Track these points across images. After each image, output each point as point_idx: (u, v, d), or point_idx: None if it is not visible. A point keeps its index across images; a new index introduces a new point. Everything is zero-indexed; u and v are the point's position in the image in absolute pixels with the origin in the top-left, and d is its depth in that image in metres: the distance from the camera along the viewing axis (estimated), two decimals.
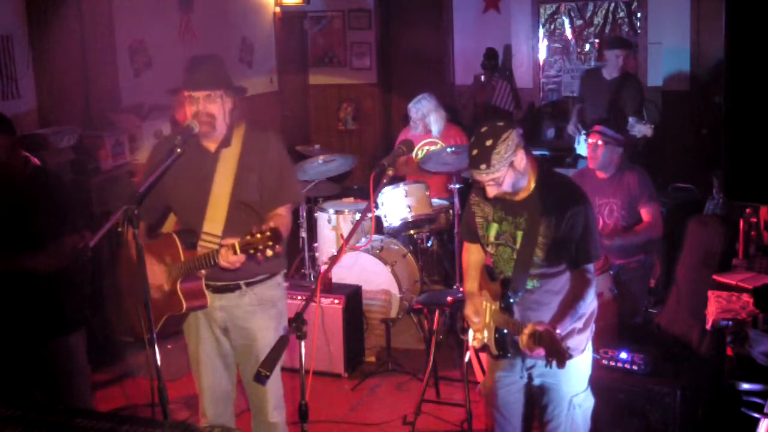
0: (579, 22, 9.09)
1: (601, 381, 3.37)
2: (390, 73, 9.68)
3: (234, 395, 3.51)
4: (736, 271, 4.35)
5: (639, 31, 8.67)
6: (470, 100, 8.93)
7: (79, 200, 4.82)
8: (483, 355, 3.89)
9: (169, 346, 4.99)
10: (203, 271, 3.15)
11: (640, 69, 8.52)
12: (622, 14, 8.84)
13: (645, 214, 4.84)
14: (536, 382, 3.18)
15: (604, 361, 3.90)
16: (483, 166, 2.87)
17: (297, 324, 2.59)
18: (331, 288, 5.13)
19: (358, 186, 7.64)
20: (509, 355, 3.08)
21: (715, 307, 3.93)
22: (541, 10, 9.21)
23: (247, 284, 3.28)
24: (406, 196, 5.61)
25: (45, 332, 3.52)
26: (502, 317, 3.02)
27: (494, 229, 3.11)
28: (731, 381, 3.76)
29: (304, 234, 6.09)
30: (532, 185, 3.01)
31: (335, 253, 5.46)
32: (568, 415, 3.12)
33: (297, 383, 2.67)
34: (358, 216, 5.64)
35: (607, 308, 4.38)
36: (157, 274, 3.19)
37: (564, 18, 9.15)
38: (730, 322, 3.81)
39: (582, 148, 6.51)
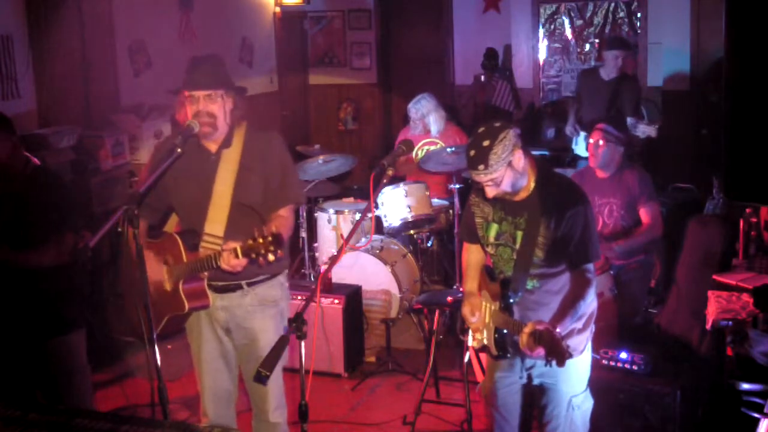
0: (579, 22, 9.09)
1: (601, 381, 3.38)
2: (390, 73, 9.68)
3: (236, 396, 3.51)
4: (736, 271, 4.35)
5: (639, 31, 8.68)
6: (470, 100, 8.94)
7: (79, 200, 4.82)
8: (483, 356, 3.89)
9: (169, 346, 4.99)
10: (206, 272, 3.15)
11: (640, 69, 8.52)
12: (622, 14, 8.84)
13: (644, 214, 4.84)
14: (536, 382, 3.18)
15: (604, 361, 3.90)
16: (481, 167, 2.88)
17: (297, 324, 2.59)
18: (331, 288, 5.13)
19: (358, 186, 7.64)
20: (509, 355, 3.09)
21: (715, 307, 3.93)
22: (541, 10, 9.21)
23: (249, 284, 3.28)
24: (406, 196, 5.61)
25: (45, 332, 3.53)
26: (501, 317, 3.03)
27: (494, 229, 3.11)
28: (731, 381, 3.76)
29: (304, 234, 6.09)
30: (532, 185, 3.01)
31: (335, 253, 5.46)
32: (567, 416, 3.13)
33: (297, 383, 2.67)
34: (358, 216, 5.64)
35: (607, 308, 4.38)
36: (158, 275, 3.19)
37: (564, 18, 9.15)
38: (730, 322, 3.81)
39: (580, 148, 6.51)
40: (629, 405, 3.84)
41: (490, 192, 2.97)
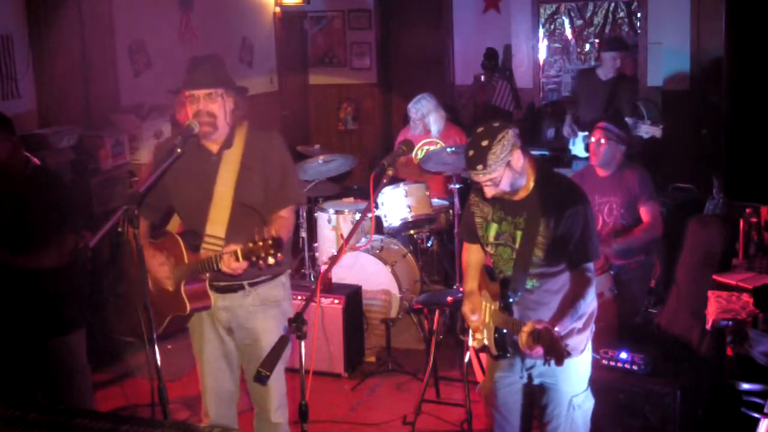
0: (579, 22, 9.09)
1: (601, 381, 3.38)
2: (390, 73, 9.68)
3: (237, 396, 3.51)
4: (736, 271, 4.35)
5: (639, 31, 8.67)
6: (470, 100, 8.94)
7: (79, 200, 4.81)
8: (483, 355, 3.89)
9: (169, 346, 4.99)
10: (207, 274, 3.15)
11: (640, 69, 8.52)
12: (622, 14, 8.84)
13: (645, 213, 4.84)
14: (536, 382, 3.18)
15: (604, 361, 3.90)
16: (479, 167, 2.88)
17: (297, 324, 2.60)
18: (331, 288, 5.13)
19: (358, 186, 7.63)
20: (509, 355, 3.09)
21: (715, 307, 3.93)
22: (541, 10, 9.21)
23: (251, 284, 3.28)
24: (406, 196, 5.61)
25: (45, 332, 3.52)
26: (501, 317, 3.03)
27: (494, 229, 3.11)
28: (731, 381, 3.76)
29: (304, 234, 6.09)
30: (531, 185, 3.02)
31: (335, 253, 5.46)
32: (568, 416, 3.13)
33: (297, 383, 2.67)
34: (358, 216, 5.64)
35: (607, 308, 4.38)
36: (160, 275, 3.20)
37: (564, 18, 9.15)
38: (730, 322, 3.81)
39: (577, 148, 6.52)
40: (629, 405, 3.84)
41: (489, 192, 2.97)
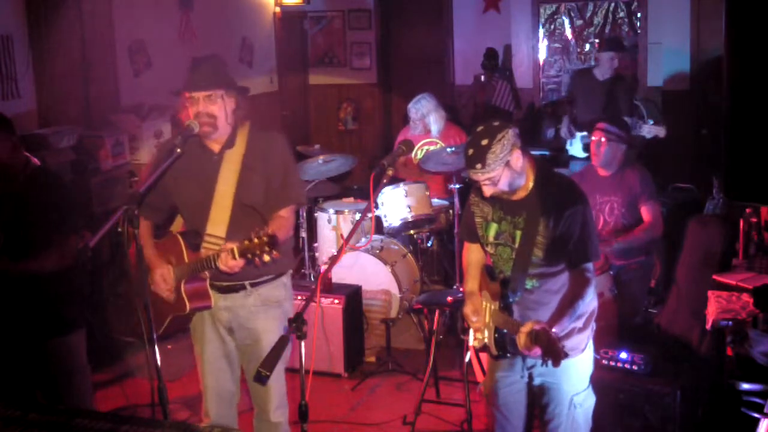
0: (579, 22, 9.09)
1: (601, 381, 3.37)
2: (390, 73, 9.68)
3: (238, 396, 3.51)
4: (736, 271, 4.35)
5: (639, 31, 8.67)
6: (470, 100, 8.94)
7: (79, 200, 4.81)
8: (483, 355, 3.90)
9: (169, 347, 5.00)
10: (207, 272, 3.15)
11: (640, 69, 8.52)
12: (622, 14, 8.84)
13: (645, 213, 4.84)
14: (537, 381, 3.18)
15: (604, 361, 3.90)
16: (479, 166, 2.88)
17: (297, 324, 2.60)
18: (331, 288, 5.13)
19: (358, 186, 7.63)
20: (509, 355, 3.09)
21: (715, 307, 3.93)
22: (541, 10, 9.20)
23: (252, 285, 3.28)
24: (406, 196, 5.61)
25: (45, 332, 3.52)
26: (501, 317, 3.03)
27: (493, 228, 3.11)
28: (731, 381, 3.76)
29: (304, 234, 6.09)
30: (531, 185, 3.02)
31: (335, 253, 5.46)
32: (569, 414, 3.13)
33: (297, 383, 2.67)
34: (358, 216, 5.64)
35: (607, 308, 4.38)
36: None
37: (564, 18, 9.15)
38: (730, 322, 3.81)
39: (574, 148, 6.52)
40: (629, 405, 3.84)
41: (488, 191, 2.97)
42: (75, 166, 5.23)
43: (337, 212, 5.84)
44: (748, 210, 4.60)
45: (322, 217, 5.92)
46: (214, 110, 3.15)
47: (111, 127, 5.81)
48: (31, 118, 5.50)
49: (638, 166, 5.00)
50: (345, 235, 5.67)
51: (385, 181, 3.02)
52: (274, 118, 8.52)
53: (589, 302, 3.05)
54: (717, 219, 4.96)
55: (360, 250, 5.46)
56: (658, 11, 8.41)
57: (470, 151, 2.91)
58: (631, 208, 4.85)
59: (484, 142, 2.88)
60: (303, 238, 6.10)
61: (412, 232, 5.77)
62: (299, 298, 4.86)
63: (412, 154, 6.12)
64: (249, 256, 2.88)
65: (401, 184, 5.67)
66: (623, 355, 3.92)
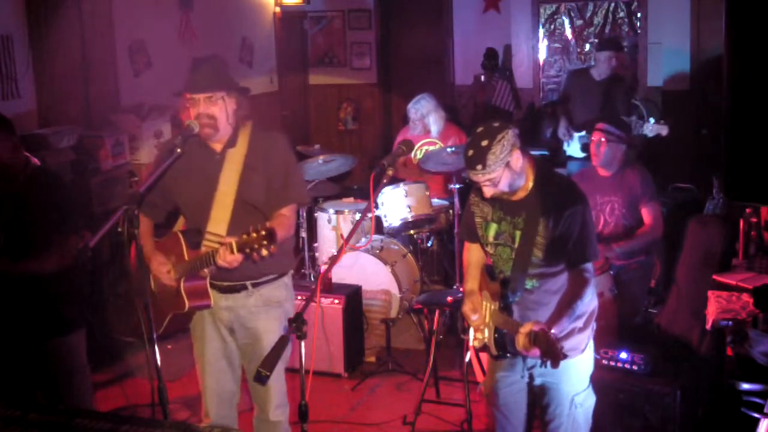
0: (579, 22, 9.09)
1: (601, 381, 3.37)
2: (390, 73, 9.68)
3: (238, 396, 3.51)
4: (736, 271, 4.36)
5: (639, 31, 8.67)
6: (470, 100, 8.94)
7: (79, 200, 4.81)
8: (483, 355, 3.90)
9: (169, 346, 5.00)
10: (206, 271, 3.15)
11: (640, 69, 8.52)
12: (622, 14, 8.84)
13: (646, 214, 4.84)
14: (537, 381, 3.18)
15: (604, 361, 3.90)
16: (479, 167, 2.88)
17: (297, 324, 2.60)
18: (331, 288, 5.13)
19: (358, 186, 7.64)
20: (508, 355, 3.09)
21: (715, 307, 3.93)
22: (541, 10, 9.21)
23: (254, 285, 3.29)
24: (406, 196, 5.61)
25: (45, 332, 3.52)
26: (501, 317, 3.03)
27: (493, 229, 3.11)
28: (731, 381, 3.76)
29: (304, 234, 6.09)
30: (530, 185, 3.02)
31: (335, 253, 5.46)
32: (570, 414, 3.13)
33: (297, 383, 2.67)
34: (358, 216, 5.64)
35: (607, 308, 4.38)
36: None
37: (564, 18, 9.15)
38: (730, 322, 3.81)
39: (572, 148, 6.51)
40: (629, 405, 3.84)
41: (488, 192, 2.97)
42: (75, 166, 5.23)
43: (337, 212, 5.84)
44: (748, 210, 4.60)
45: (322, 217, 5.92)
46: (214, 111, 3.15)
47: (111, 127, 5.81)
48: (31, 118, 5.50)
49: (638, 167, 4.99)
50: (345, 235, 5.67)
51: (385, 181, 3.02)
52: (274, 118, 8.52)
53: (589, 302, 3.05)
54: (717, 219, 4.96)
55: (360, 250, 5.46)
56: (658, 11, 8.41)
57: (470, 152, 2.91)
58: (631, 208, 4.85)
59: (484, 143, 2.88)
60: (303, 238, 6.10)
61: (412, 232, 5.77)
62: (299, 298, 4.86)
63: (412, 155, 6.12)
64: (247, 250, 2.88)
65: (401, 184, 5.67)
66: (623, 355, 3.92)
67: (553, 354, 2.66)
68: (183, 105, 3.22)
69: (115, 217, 2.70)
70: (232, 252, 2.94)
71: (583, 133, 6.26)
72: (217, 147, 3.25)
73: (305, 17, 9.50)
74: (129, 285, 3.41)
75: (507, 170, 2.91)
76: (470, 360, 4.27)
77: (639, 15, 8.68)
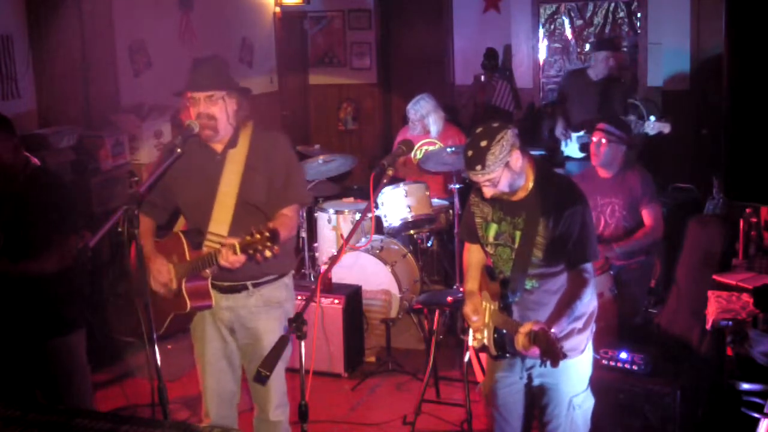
0: (579, 22, 9.09)
1: (601, 381, 3.38)
2: (390, 73, 9.68)
3: (239, 396, 3.52)
4: (736, 271, 4.35)
5: (639, 31, 8.67)
6: (470, 100, 8.93)
7: (79, 200, 4.81)
8: (483, 355, 3.89)
9: (169, 346, 5.00)
10: (208, 271, 3.15)
11: (640, 69, 8.52)
12: (622, 14, 8.84)
13: (646, 215, 4.84)
14: (536, 382, 3.18)
15: (604, 361, 3.90)
16: (478, 167, 2.88)
17: (297, 324, 2.60)
18: (331, 288, 5.13)
19: (358, 186, 7.64)
20: (508, 355, 3.09)
21: (715, 307, 3.93)
22: (541, 10, 9.20)
23: (254, 285, 3.29)
24: (406, 196, 5.62)
25: (45, 332, 3.52)
26: (501, 317, 3.03)
27: (493, 229, 3.11)
28: (731, 381, 3.76)
29: (304, 234, 6.09)
30: (530, 185, 3.02)
31: (335, 253, 5.46)
32: (568, 416, 3.13)
33: (297, 383, 2.67)
34: (358, 216, 5.64)
35: (607, 308, 4.38)
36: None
37: (564, 18, 9.15)
38: (730, 322, 3.81)
39: (570, 149, 6.51)
40: (629, 405, 3.84)
41: (488, 192, 2.97)
42: (75, 166, 5.23)
43: (337, 212, 5.84)
44: (748, 210, 4.60)
45: (322, 217, 5.92)
46: (215, 111, 3.15)
47: (111, 127, 5.81)
48: (31, 118, 5.50)
49: (639, 168, 4.99)
50: (345, 235, 5.67)
51: (385, 181, 3.02)
52: (274, 118, 8.52)
53: (588, 303, 3.05)
54: (717, 219, 4.96)
55: (360, 250, 5.46)
56: (658, 11, 8.41)
57: (470, 153, 2.91)
58: (632, 209, 4.85)
59: (484, 143, 2.88)
60: (303, 238, 6.10)
61: (412, 232, 5.77)
62: (299, 298, 4.86)
63: (411, 155, 6.12)
64: (250, 251, 2.89)
65: (401, 184, 5.67)
66: (623, 355, 3.92)
67: (553, 353, 2.66)
68: (183, 105, 3.22)
69: (115, 217, 2.69)
70: (235, 253, 2.94)
71: (582, 133, 6.26)
72: (218, 147, 3.25)
73: (305, 17, 9.50)
74: (129, 285, 3.41)
75: (506, 170, 2.91)
76: (470, 360, 4.27)
77: (639, 15, 8.67)
